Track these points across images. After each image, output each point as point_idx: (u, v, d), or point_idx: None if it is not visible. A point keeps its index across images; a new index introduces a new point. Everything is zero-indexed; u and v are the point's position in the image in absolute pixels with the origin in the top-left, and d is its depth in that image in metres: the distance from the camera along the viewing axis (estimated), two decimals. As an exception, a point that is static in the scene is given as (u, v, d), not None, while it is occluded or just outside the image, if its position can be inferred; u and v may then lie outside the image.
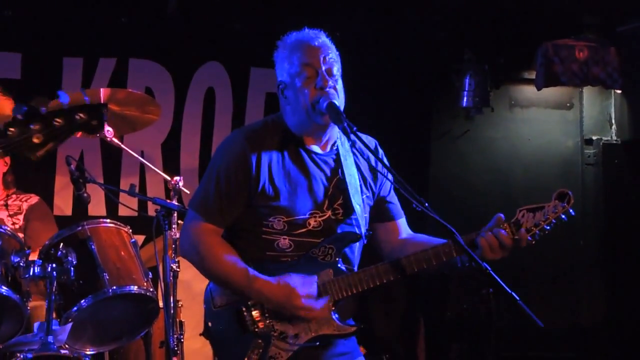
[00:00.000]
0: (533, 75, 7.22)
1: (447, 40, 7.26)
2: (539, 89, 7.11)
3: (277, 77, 3.50)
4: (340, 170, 3.44)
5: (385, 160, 3.46)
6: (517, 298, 2.94)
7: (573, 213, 3.35)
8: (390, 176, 3.52)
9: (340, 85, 3.42)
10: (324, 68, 3.36)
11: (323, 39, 3.45)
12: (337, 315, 3.32)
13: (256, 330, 3.29)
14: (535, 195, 7.32)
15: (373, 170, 3.53)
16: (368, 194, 3.52)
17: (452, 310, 7.05)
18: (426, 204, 3.21)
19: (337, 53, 3.46)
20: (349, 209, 3.41)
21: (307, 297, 3.24)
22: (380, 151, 3.54)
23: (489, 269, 3.02)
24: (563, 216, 3.34)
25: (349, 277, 3.31)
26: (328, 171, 3.43)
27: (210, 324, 3.41)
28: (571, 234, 7.56)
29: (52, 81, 6.49)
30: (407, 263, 3.32)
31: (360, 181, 3.48)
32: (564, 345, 7.33)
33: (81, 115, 2.58)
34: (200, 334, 3.54)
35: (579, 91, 7.69)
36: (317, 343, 3.31)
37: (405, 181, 3.22)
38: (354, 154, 3.49)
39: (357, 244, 3.47)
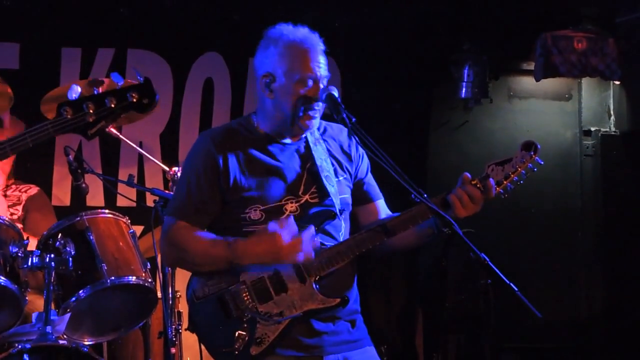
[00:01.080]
0: (532, 66, 7.22)
1: (446, 30, 7.25)
2: (537, 80, 7.10)
3: (260, 65, 3.50)
4: (311, 156, 3.47)
5: (359, 148, 3.55)
6: (516, 289, 2.95)
7: (541, 162, 3.37)
8: (365, 156, 3.58)
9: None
10: (321, 81, 3.41)
11: (320, 45, 3.47)
12: (320, 289, 3.31)
13: (240, 314, 3.29)
14: (534, 186, 7.39)
15: (347, 154, 3.58)
16: (345, 176, 3.54)
17: (451, 301, 7.05)
18: (424, 195, 3.22)
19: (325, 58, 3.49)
20: (323, 191, 3.42)
21: (290, 235, 3.23)
22: (354, 138, 3.47)
23: (487, 260, 3.02)
24: (531, 166, 3.36)
25: (328, 251, 3.33)
26: (299, 158, 3.48)
27: (194, 317, 3.42)
28: (569, 225, 7.57)
29: (51, 71, 6.49)
30: (383, 229, 3.34)
31: (334, 165, 3.51)
32: (562, 337, 7.34)
33: (134, 94, 2.71)
34: (186, 329, 3.54)
35: (577, 82, 7.67)
36: (301, 313, 3.29)
37: (404, 172, 3.22)
38: (325, 140, 3.55)
39: (342, 223, 3.47)
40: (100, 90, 2.76)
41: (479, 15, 7.15)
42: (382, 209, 3.66)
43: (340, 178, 3.52)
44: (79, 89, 2.65)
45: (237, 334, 3.27)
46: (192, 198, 3.41)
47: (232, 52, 6.95)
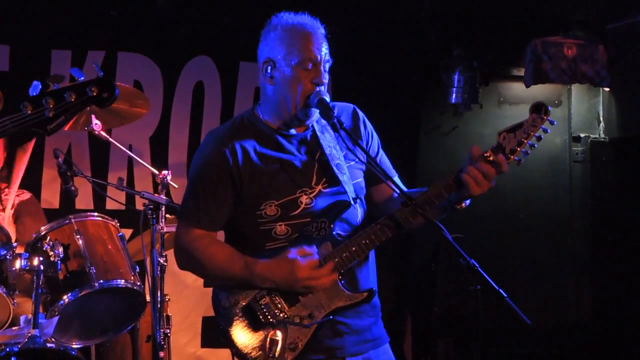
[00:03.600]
0: (522, 73, 7.24)
1: (437, 36, 7.26)
2: (527, 86, 7.12)
3: (261, 53, 3.44)
4: (319, 145, 3.41)
5: (368, 125, 3.52)
6: (505, 295, 2.94)
7: (554, 122, 3.26)
8: (374, 133, 3.54)
9: (327, 81, 3.41)
10: (322, 64, 3.35)
11: (321, 30, 3.45)
12: (345, 285, 3.28)
13: (270, 320, 3.25)
14: (523, 191, 7.39)
15: (355, 135, 3.48)
16: (356, 160, 3.47)
17: (440, 306, 7.05)
18: (414, 200, 3.22)
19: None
20: (336, 181, 3.36)
21: (309, 266, 3.21)
22: (361, 115, 3.52)
23: (477, 265, 3.02)
24: (543, 127, 3.24)
25: (348, 245, 3.26)
26: (308, 149, 3.42)
27: (224, 327, 3.35)
28: (558, 230, 7.59)
29: (41, 73, 6.46)
30: (402, 216, 3.24)
31: (343, 151, 3.44)
32: (551, 342, 7.35)
33: (93, 89, 2.70)
34: (218, 339, 3.50)
35: (567, 88, 7.70)
36: (331, 317, 3.25)
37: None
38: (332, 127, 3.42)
39: (358, 210, 3.42)
40: (58, 86, 2.76)
41: (469, 22, 7.17)
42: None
43: (352, 162, 3.45)
44: (40, 85, 2.67)
45: (269, 339, 3.23)
46: (204, 201, 3.36)
47: (223, 56, 6.95)
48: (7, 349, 4.13)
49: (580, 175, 7.68)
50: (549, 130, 3.26)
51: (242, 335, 3.29)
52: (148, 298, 4.87)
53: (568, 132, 7.70)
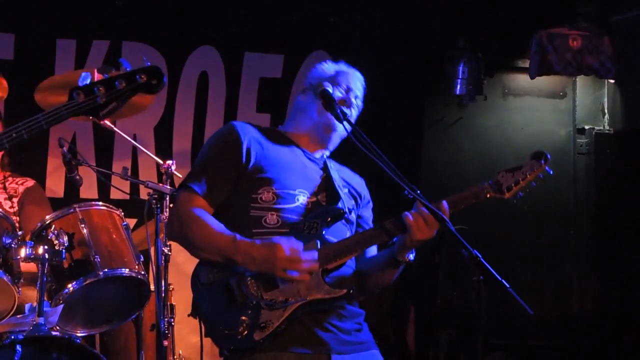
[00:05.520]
0: (527, 64, 7.23)
1: (441, 28, 7.26)
2: (532, 77, 7.11)
3: (311, 78, 3.72)
4: (327, 171, 3.59)
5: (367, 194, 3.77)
6: (508, 286, 2.96)
7: (551, 172, 3.54)
8: (371, 202, 3.74)
9: (354, 115, 3.69)
10: (355, 97, 3.69)
11: (359, 75, 3.82)
12: (327, 279, 3.33)
13: (244, 300, 3.29)
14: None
15: (357, 193, 3.71)
16: (354, 203, 3.65)
17: (443, 297, 7.07)
18: (418, 192, 3.23)
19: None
20: (336, 196, 3.49)
21: (291, 250, 3.25)
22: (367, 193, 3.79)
23: (480, 256, 3.03)
24: (541, 175, 3.52)
25: (336, 245, 3.34)
26: (317, 167, 3.59)
27: (198, 302, 3.42)
28: (562, 223, 7.59)
29: (45, 62, 6.48)
30: (389, 227, 3.38)
31: (345, 189, 3.62)
32: (553, 334, 7.36)
33: (142, 76, 2.87)
34: (189, 315, 3.54)
35: (572, 80, 7.69)
36: (305, 300, 3.29)
37: (398, 168, 3.23)
38: (338, 172, 3.68)
39: (348, 229, 3.51)
40: (108, 75, 2.91)
41: (474, 13, 7.16)
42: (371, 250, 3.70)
43: (350, 200, 3.62)
44: (89, 76, 2.82)
45: (241, 318, 3.27)
46: (211, 177, 3.45)
47: (227, 46, 6.95)
48: (12, 337, 4.14)
49: (585, 167, 7.68)
50: (542, 177, 3.58)
51: (215, 311, 3.35)
52: (152, 287, 4.88)
53: (572, 124, 7.70)
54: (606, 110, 7.76)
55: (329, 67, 3.74)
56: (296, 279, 3.26)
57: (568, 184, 7.65)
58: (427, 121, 7.49)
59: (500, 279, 2.98)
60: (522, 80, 7.51)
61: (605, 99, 7.76)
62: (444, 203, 3.35)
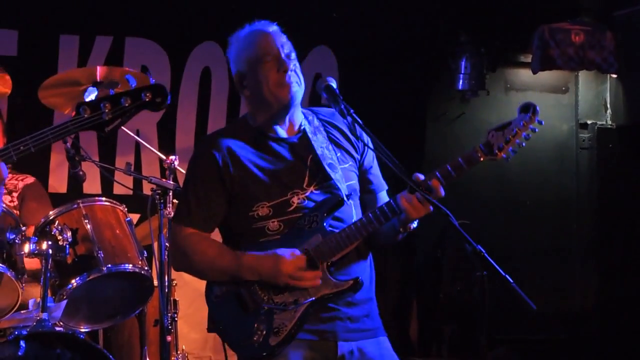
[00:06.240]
0: (529, 59, 7.23)
1: (444, 22, 7.26)
2: (534, 72, 7.12)
3: (233, 70, 3.56)
4: (311, 147, 3.47)
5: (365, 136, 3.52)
6: (511, 281, 2.96)
7: (542, 122, 3.35)
8: (370, 143, 3.53)
9: (299, 70, 3.49)
10: (283, 53, 3.44)
11: (275, 27, 3.52)
12: (334, 274, 3.34)
13: (256, 307, 3.32)
14: (530, 178, 7.40)
15: (349, 140, 3.58)
16: (350, 162, 3.55)
17: (445, 292, 7.07)
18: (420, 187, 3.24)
19: (290, 42, 3.52)
20: (328, 180, 3.44)
21: (295, 264, 3.28)
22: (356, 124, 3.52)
23: (483, 251, 3.03)
24: (532, 127, 3.33)
25: (337, 235, 3.33)
26: (299, 151, 3.48)
27: (214, 315, 3.46)
28: (564, 217, 7.60)
29: (49, 58, 6.48)
30: (390, 209, 3.32)
31: (338, 152, 3.52)
32: (556, 329, 7.37)
33: (147, 94, 2.97)
34: (208, 330, 3.56)
35: (574, 75, 7.69)
36: (314, 298, 3.30)
37: (400, 162, 3.24)
38: (325, 126, 3.56)
39: (352, 208, 3.48)
40: (114, 91, 3.02)
41: (476, 8, 7.16)
42: (384, 200, 3.62)
43: (345, 165, 3.52)
44: (96, 91, 2.95)
45: (255, 326, 3.30)
46: (197, 205, 3.45)
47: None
48: (16, 332, 4.17)
49: (587, 162, 7.69)
50: (537, 130, 3.34)
51: (230, 322, 3.38)
52: (155, 283, 4.89)
53: (575, 118, 7.70)
54: (608, 105, 7.76)
55: (240, 47, 3.52)
56: (304, 286, 3.30)
57: (570, 179, 7.66)
58: (429, 116, 7.49)
59: (503, 273, 2.98)
60: (524, 75, 7.51)
61: (608, 94, 7.76)
62: (437, 174, 3.29)
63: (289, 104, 3.45)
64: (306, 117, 3.55)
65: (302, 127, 3.53)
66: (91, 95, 2.98)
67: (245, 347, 3.33)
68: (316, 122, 3.55)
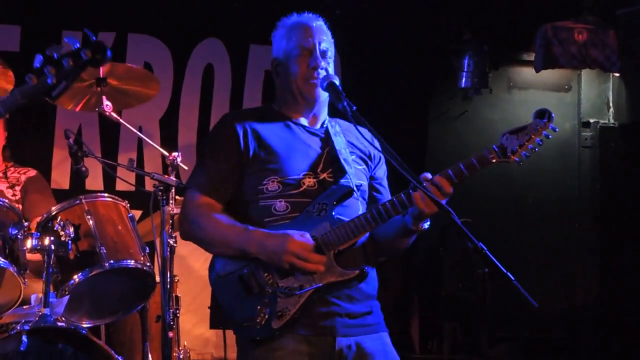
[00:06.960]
0: (532, 57, 7.23)
1: (447, 20, 7.26)
2: (537, 70, 7.11)
3: (272, 54, 3.66)
4: (330, 141, 3.55)
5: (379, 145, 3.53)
6: (513, 278, 2.96)
7: (556, 129, 3.40)
8: (383, 160, 3.65)
9: (332, 68, 3.58)
10: (318, 50, 3.54)
11: (320, 22, 3.64)
12: (340, 262, 3.34)
13: (261, 289, 3.33)
14: (532, 176, 7.40)
15: (365, 152, 3.65)
16: (363, 167, 3.61)
17: (447, 289, 7.08)
18: (424, 184, 3.24)
19: (332, 40, 3.65)
20: (342, 171, 3.48)
21: (302, 245, 3.28)
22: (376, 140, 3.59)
23: (485, 249, 3.04)
24: (545, 133, 3.38)
25: (346, 225, 3.34)
26: (319, 141, 3.56)
27: (217, 294, 3.47)
28: (566, 216, 7.59)
29: (51, 54, 6.48)
30: (400, 201, 3.33)
31: (353, 155, 3.58)
32: (558, 327, 7.37)
33: (87, 52, 2.90)
34: (209, 307, 3.58)
35: (577, 74, 7.69)
36: (320, 285, 3.31)
37: (403, 160, 3.24)
38: (345, 134, 3.63)
39: (359, 203, 3.52)
40: (58, 55, 2.93)
41: (480, 6, 7.16)
42: None
43: (359, 167, 3.57)
44: (42, 57, 2.88)
45: (258, 308, 3.31)
46: (212, 173, 3.48)
47: (233, 38, 6.96)
48: (18, 327, 4.17)
49: (589, 161, 7.69)
50: (550, 137, 3.40)
51: (233, 303, 3.39)
52: (158, 279, 4.89)
53: (577, 117, 7.70)
54: (611, 104, 7.76)
55: (283, 34, 3.63)
56: (308, 268, 3.29)
57: (573, 178, 7.66)
58: (432, 114, 7.49)
59: (505, 271, 2.98)
60: (527, 73, 7.51)
61: (610, 93, 7.76)
62: (449, 172, 3.33)
63: (314, 101, 3.55)
64: (329, 121, 3.65)
65: (325, 124, 3.62)
66: (38, 62, 2.91)
67: (247, 328, 3.34)
68: (337, 128, 3.64)
